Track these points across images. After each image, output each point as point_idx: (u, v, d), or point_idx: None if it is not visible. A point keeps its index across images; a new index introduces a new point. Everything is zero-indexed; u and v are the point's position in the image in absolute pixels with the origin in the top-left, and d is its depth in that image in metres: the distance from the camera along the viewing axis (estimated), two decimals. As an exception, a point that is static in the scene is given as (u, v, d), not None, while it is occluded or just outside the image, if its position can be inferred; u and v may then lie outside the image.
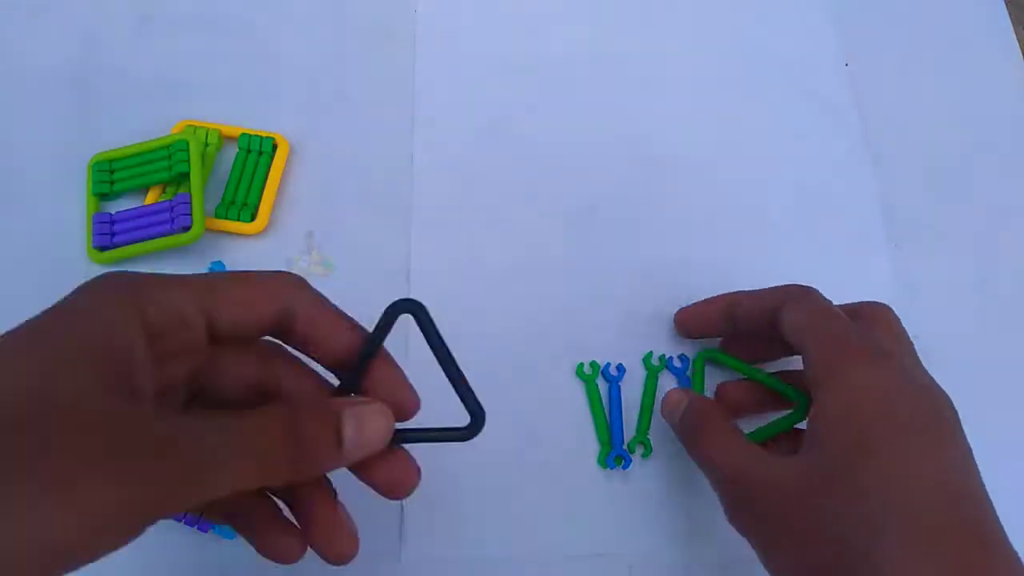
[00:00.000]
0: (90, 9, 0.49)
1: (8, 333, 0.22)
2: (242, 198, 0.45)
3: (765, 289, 0.38)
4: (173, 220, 0.42)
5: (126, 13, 0.49)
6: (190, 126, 0.46)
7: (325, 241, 0.45)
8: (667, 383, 0.42)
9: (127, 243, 0.43)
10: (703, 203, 0.46)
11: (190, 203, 0.43)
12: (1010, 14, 0.52)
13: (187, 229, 0.42)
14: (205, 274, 0.26)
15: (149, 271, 0.25)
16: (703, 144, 0.48)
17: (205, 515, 0.36)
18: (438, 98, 0.48)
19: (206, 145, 0.45)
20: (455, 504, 0.40)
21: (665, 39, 0.51)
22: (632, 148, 0.48)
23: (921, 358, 0.35)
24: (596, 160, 0.47)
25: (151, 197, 0.45)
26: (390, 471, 0.27)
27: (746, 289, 0.39)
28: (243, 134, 0.46)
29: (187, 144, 0.44)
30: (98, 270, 0.43)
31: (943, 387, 0.32)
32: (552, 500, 0.40)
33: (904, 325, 0.35)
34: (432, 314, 0.43)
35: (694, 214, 0.46)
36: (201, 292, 0.24)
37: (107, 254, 0.43)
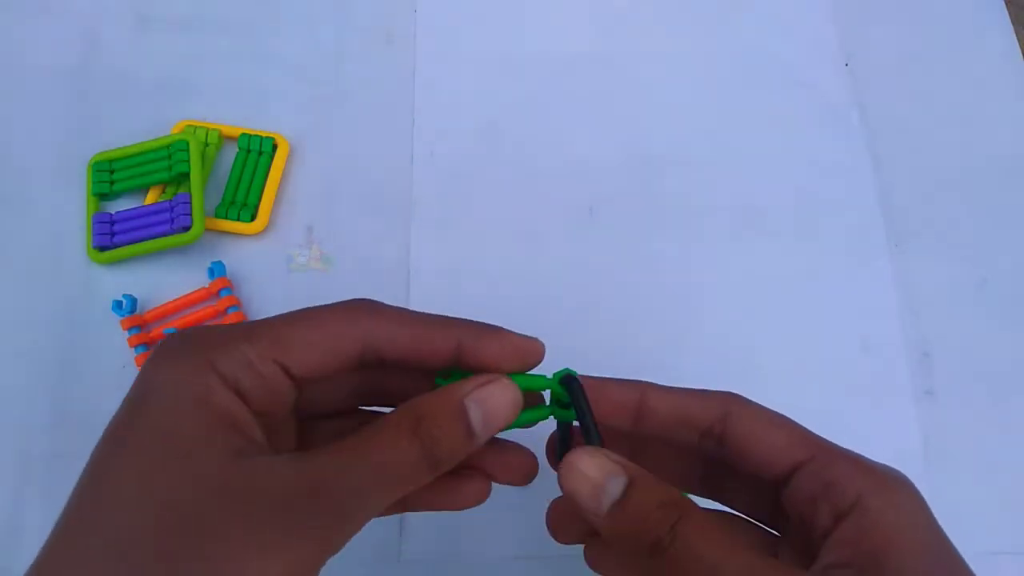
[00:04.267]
0: (90, 9, 0.49)
1: (110, 437, 0.23)
2: (242, 198, 0.45)
3: (683, 390, 0.28)
4: (173, 220, 0.42)
5: (126, 13, 0.49)
6: (190, 126, 0.46)
7: (325, 241, 0.45)
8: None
9: (127, 243, 0.43)
10: (702, 203, 0.46)
11: (190, 203, 0.43)
12: (1010, 14, 0.52)
13: (187, 229, 0.42)
14: (272, 321, 0.25)
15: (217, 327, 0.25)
16: (703, 144, 0.48)
17: None
18: (438, 98, 0.48)
19: (206, 145, 0.45)
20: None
21: (665, 39, 0.51)
22: (632, 148, 0.48)
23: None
24: (595, 160, 0.47)
25: (151, 197, 0.45)
26: (504, 457, 0.27)
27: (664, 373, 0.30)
28: (243, 134, 0.46)
29: (187, 144, 0.44)
30: (98, 270, 0.43)
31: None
32: (550, 500, 0.40)
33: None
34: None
35: (693, 214, 0.46)
36: (270, 345, 0.24)
37: (107, 254, 0.43)
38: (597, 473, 0.23)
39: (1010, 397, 0.43)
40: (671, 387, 0.28)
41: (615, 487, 0.23)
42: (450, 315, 0.27)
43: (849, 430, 0.40)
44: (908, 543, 0.23)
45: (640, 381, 0.28)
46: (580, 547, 0.39)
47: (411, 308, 0.43)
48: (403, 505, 0.28)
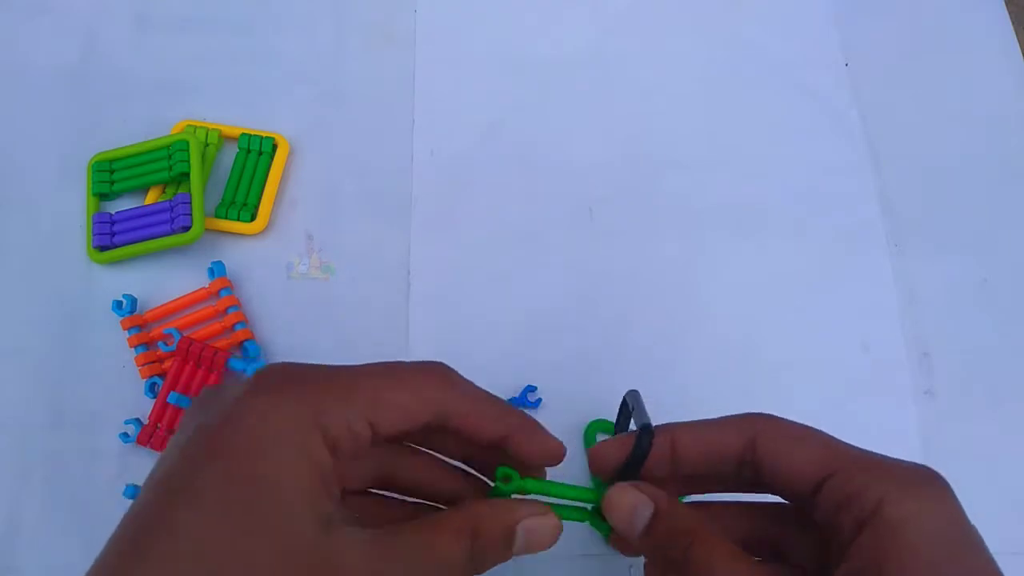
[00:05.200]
0: (90, 9, 0.49)
1: (188, 482, 0.22)
2: (242, 198, 0.45)
3: (709, 422, 0.29)
4: (173, 220, 0.42)
5: (126, 13, 0.49)
6: (190, 126, 0.46)
7: (325, 241, 0.45)
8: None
9: (127, 243, 0.43)
10: (702, 203, 0.46)
11: (190, 203, 0.43)
12: (1010, 14, 0.52)
13: (187, 229, 0.42)
14: (366, 377, 0.26)
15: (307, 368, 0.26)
16: (703, 144, 0.48)
17: None
18: (438, 98, 0.48)
19: (206, 145, 0.45)
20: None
21: (665, 39, 0.51)
22: (632, 148, 0.48)
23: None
24: (595, 160, 0.47)
25: (151, 197, 0.45)
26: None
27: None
28: (243, 134, 0.46)
29: (187, 144, 0.44)
30: (98, 270, 0.43)
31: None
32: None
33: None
34: (432, 314, 0.43)
35: (693, 214, 0.46)
36: (369, 407, 0.25)
37: (107, 254, 0.43)
38: (629, 505, 0.27)
39: (1010, 397, 0.43)
40: (696, 422, 0.29)
41: (643, 516, 0.27)
42: (505, 402, 0.29)
43: (849, 430, 0.40)
44: (915, 551, 0.23)
45: (668, 424, 0.29)
46: (580, 548, 0.39)
47: (411, 308, 0.43)
48: None
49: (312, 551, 0.22)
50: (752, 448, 0.27)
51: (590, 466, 0.30)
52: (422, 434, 0.28)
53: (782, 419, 0.28)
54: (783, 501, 0.29)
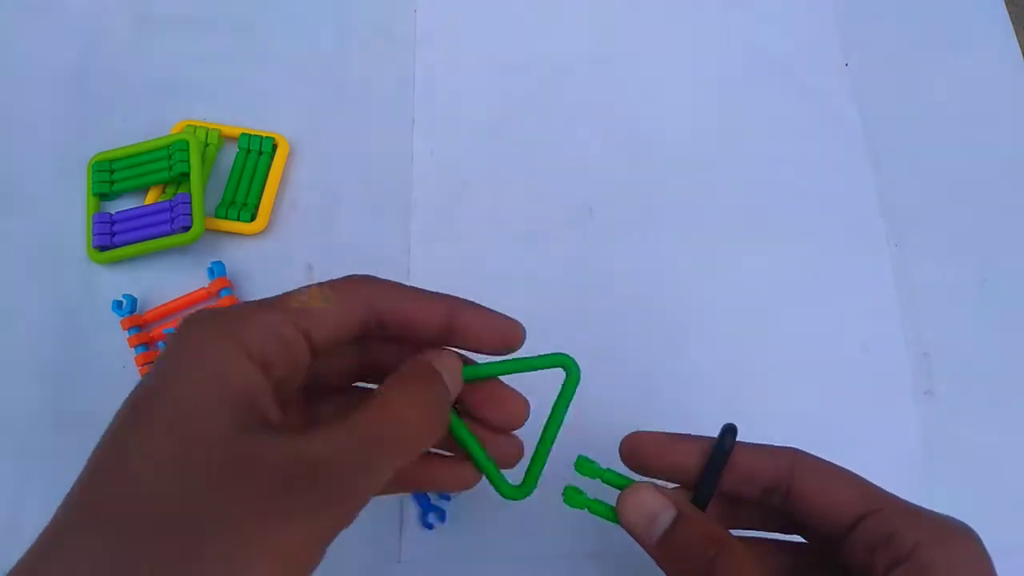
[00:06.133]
0: (90, 9, 0.49)
1: (128, 408, 0.23)
2: (242, 198, 0.45)
3: (748, 447, 0.29)
4: (173, 220, 0.42)
5: (126, 13, 0.49)
6: (190, 126, 0.46)
7: (324, 241, 0.44)
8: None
9: (127, 243, 0.43)
10: (702, 203, 0.46)
11: (190, 203, 0.43)
12: (1010, 14, 0.52)
13: (187, 229, 0.42)
14: (289, 293, 0.26)
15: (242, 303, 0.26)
16: (703, 144, 0.48)
17: None
18: (438, 98, 0.48)
19: (206, 145, 0.45)
20: (454, 504, 0.40)
21: (665, 39, 0.51)
22: (632, 148, 0.48)
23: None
24: (595, 160, 0.47)
25: (151, 197, 0.45)
26: (502, 407, 0.30)
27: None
28: (243, 134, 0.46)
29: (187, 144, 0.44)
30: (98, 270, 0.43)
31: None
32: (551, 500, 0.40)
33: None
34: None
35: (693, 214, 0.46)
36: (294, 312, 0.25)
37: (107, 254, 0.43)
38: (650, 507, 0.27)
39: (1010, 397, 0.43)
40: (737, 443, 0.29)
41: (665, 519, 0.27)
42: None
43: (849, 430, 0.40)
44: None
45: (702, 437, 0.29)
46: (580, 548, 0.39)
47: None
48: (399, 484, 0.30)
49: (226, 455, 0.22)
50: (789, 478, 0.28)
51: (634, 463, 0.29)
52: (364, 343, 0.28)
53: (817, 457, 0.28)
54: (798, 539, 0.29)
